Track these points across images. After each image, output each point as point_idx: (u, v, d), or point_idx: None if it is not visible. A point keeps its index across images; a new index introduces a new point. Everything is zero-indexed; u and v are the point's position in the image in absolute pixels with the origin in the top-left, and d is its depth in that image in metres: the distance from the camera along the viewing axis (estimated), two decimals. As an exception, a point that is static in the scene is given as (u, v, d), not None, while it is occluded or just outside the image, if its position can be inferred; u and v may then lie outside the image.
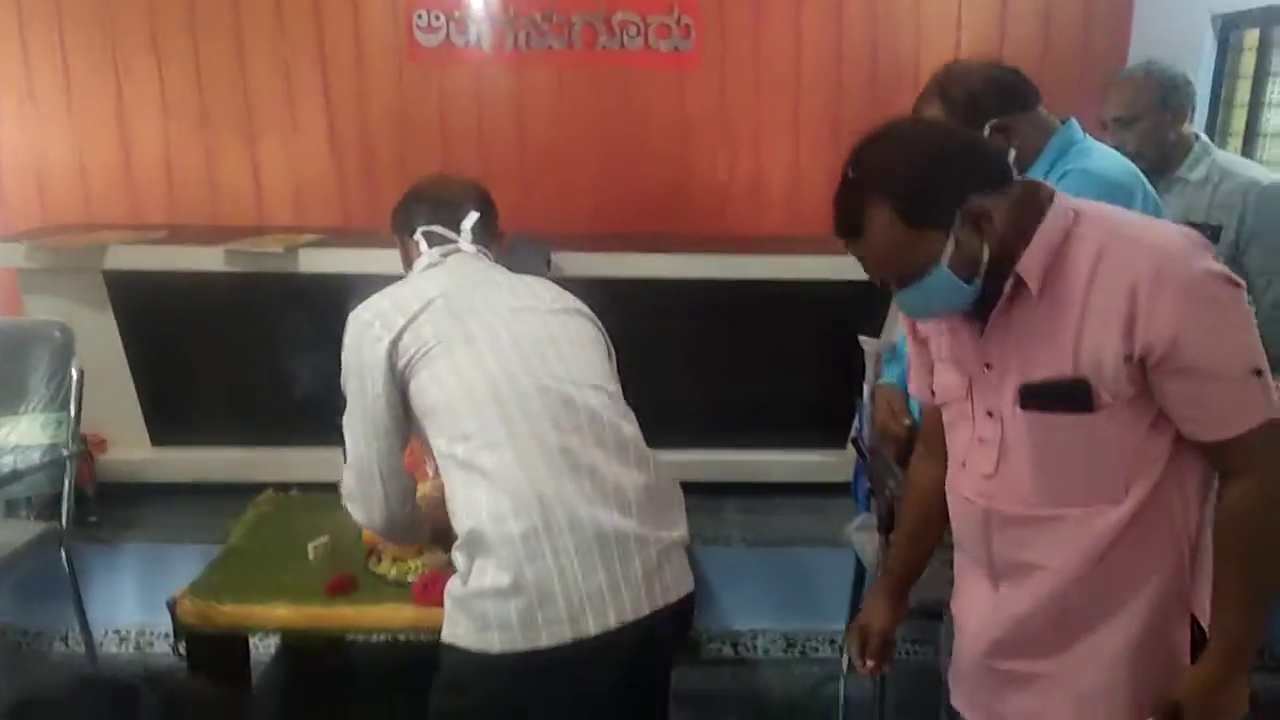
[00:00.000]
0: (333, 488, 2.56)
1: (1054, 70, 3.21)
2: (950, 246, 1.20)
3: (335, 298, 2.96)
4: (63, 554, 2.58)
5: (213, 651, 2.18)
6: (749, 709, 2.70)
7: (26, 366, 2.62)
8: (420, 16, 3.36)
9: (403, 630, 2.65)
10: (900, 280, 1.25)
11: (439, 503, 1.90)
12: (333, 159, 3.44)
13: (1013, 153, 1.78)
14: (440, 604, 1.99)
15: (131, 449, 3.10)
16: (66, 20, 3.32)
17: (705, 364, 3.07)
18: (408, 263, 1.73)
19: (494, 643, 1.42)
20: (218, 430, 3.13)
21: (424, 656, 2.88)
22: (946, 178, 1.21)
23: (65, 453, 2.57)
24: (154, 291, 3.00)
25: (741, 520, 2.97)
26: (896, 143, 1.24)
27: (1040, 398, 1.24)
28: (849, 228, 1.23)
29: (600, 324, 1.73)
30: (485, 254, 1.71)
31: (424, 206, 1.70)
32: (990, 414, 1.29)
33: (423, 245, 1.68)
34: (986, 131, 1.77)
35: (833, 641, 2.87)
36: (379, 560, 2.14)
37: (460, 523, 1.49)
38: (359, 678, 2.76)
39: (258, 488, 2.70)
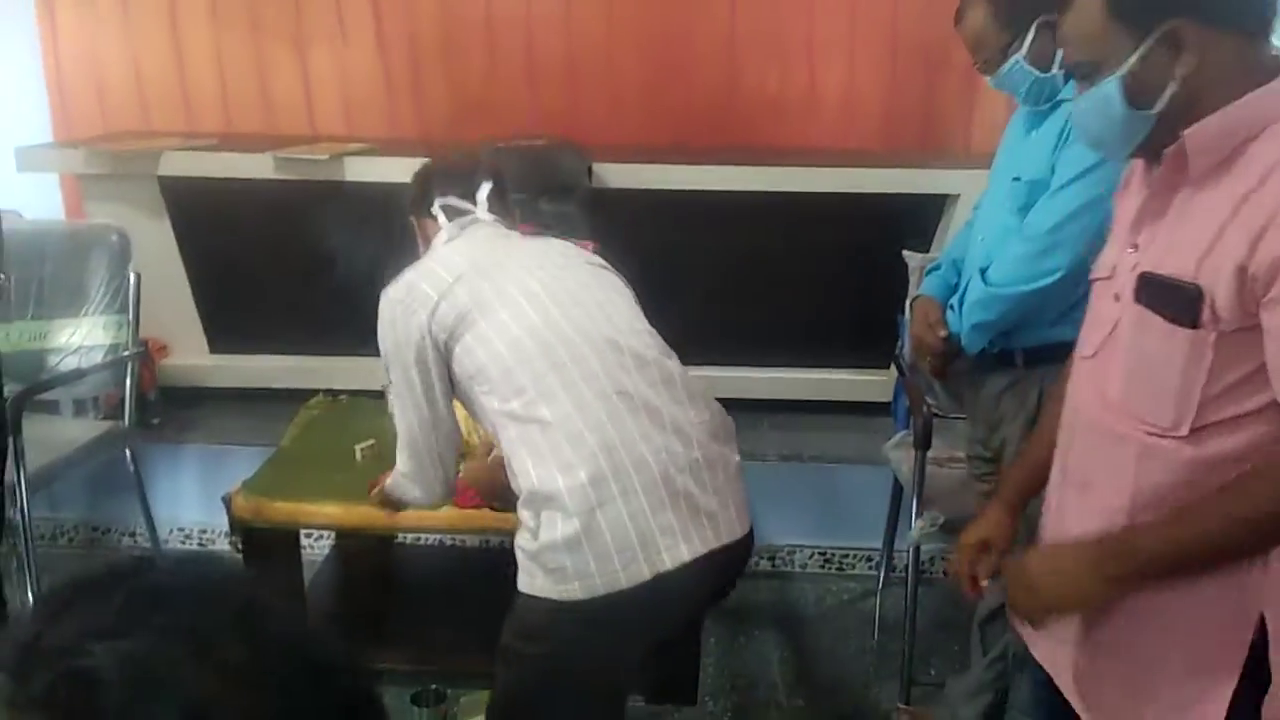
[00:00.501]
0: (379, 394, 2.64)
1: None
2: (1134, 59, 1.10)
3: (381, 207, 3.02)
4: (127, 452, 2.71)
5: (266, 547, 2.28)
6: (785, 623, 2.75)
7: (87, 270, 2.72)
8: (467, -85, 3.29)
9: (442, 531, 2.75)
10: (1079, 73, 1.18)
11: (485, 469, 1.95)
12: (381, 68, 3.42)
13: (1059, 53, 1.71)
14: (477, 506, 2.06)
15: (191, 355, 3.20)
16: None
17: (750, 279, 3.03)
18: (426, 241, 1.74)
19: (575, 591, 1.43)
20: (272, 339, 3.20)
21: (467, 562, 3.00)
22: None
23: (126, 353, 2.67)
24: (209, 199, 3.05)
25: (779, 437, 2.97)
26: None
27: (1153, 293, 1.15)
28: None
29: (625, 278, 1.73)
30: (502, 223, 1.71)
31: (439, 180, 1.73)
32: (1117, 298, 1.21)
33: (441, 219, 1.69)
34: (1033, 29, 1.71)
35: (869, 558, 2.90)
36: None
37: (523, 479, 1.49)
38: (406, 581, 2.87)
39: (310, 393, 2.78)
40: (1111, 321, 1.22)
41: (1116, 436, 1.19)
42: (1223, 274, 1.06)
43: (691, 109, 3.35)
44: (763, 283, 3.03)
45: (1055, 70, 1.73)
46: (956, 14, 1.82)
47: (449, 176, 1.73)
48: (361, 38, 3.39)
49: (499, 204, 1.73)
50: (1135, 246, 1.19)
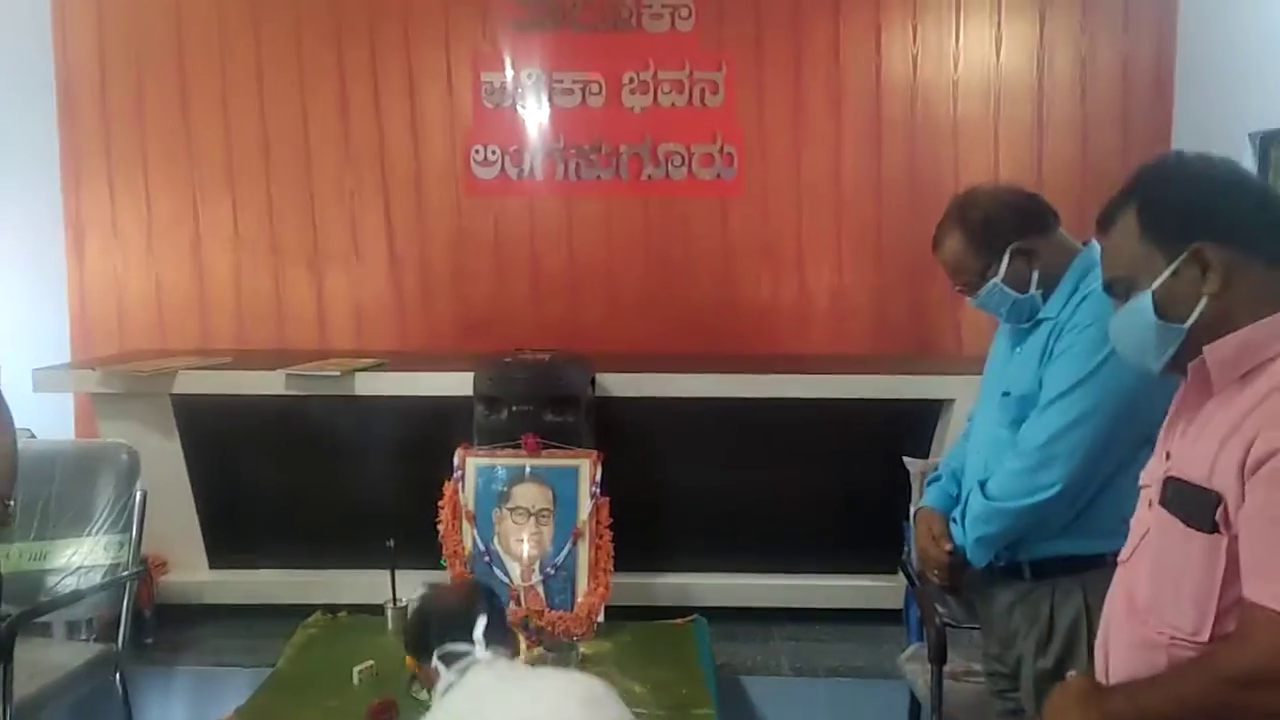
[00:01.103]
0: (379, 610, 2.60)
1: (1093, 190, 3.24)
2: (1165, 275, 1.19)
3: (388, 419, 3.09)
4: (117, 677, 2.62)
5: (255, 780, 2.17)
6: None
7: (94, 488, 2.72)
8: (477, 151, 3.55)
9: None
10: (1116, 290, 1.26)
11: None
12: (392, 286, 3.60)
13: (1035, 275, 1.80)
14: None
15: (190, 571, 3.17)
16: (151, 162, 3.58)
17: (752, 484, 3.04)
18: (427, 682, 1.75)
19: None
20: (274, 552, 3.18)
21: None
22: (1198, 208, 1.19)
23: (125, 574, 2.64)
24: (219, 415, 3.11)
25: (791, 649, 2.89)
26: (1183, 164, 1.26)
27: (1174, 498, 1.19)
28: (1103, 219, 1.27)
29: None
30: (502, 652, 1.70)
31: (436, 629, 1.74)
32: (1150, 504, 1.26)
33: (440, 669, 1.67)
34: (1007, 255, 1.80)
35: (890, 780, 2.74)
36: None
37: None
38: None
39: (311, 609, 2.73)
40: (1145, 528, 1.26)
41: (1147, 643, 1.20)
42: (1230, 478, 1.11)
43: (687, 320, 3.51)
44: (766, 488, 3.04)
45: (1033, 290, 1.81)
46: (933, 242, 1.91)
47: (444, 622, 1.74)
48: (374, 257, 3.59)
49: (496, 633, 1.71)
50: (1168, 455, 1.25)
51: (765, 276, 3.52)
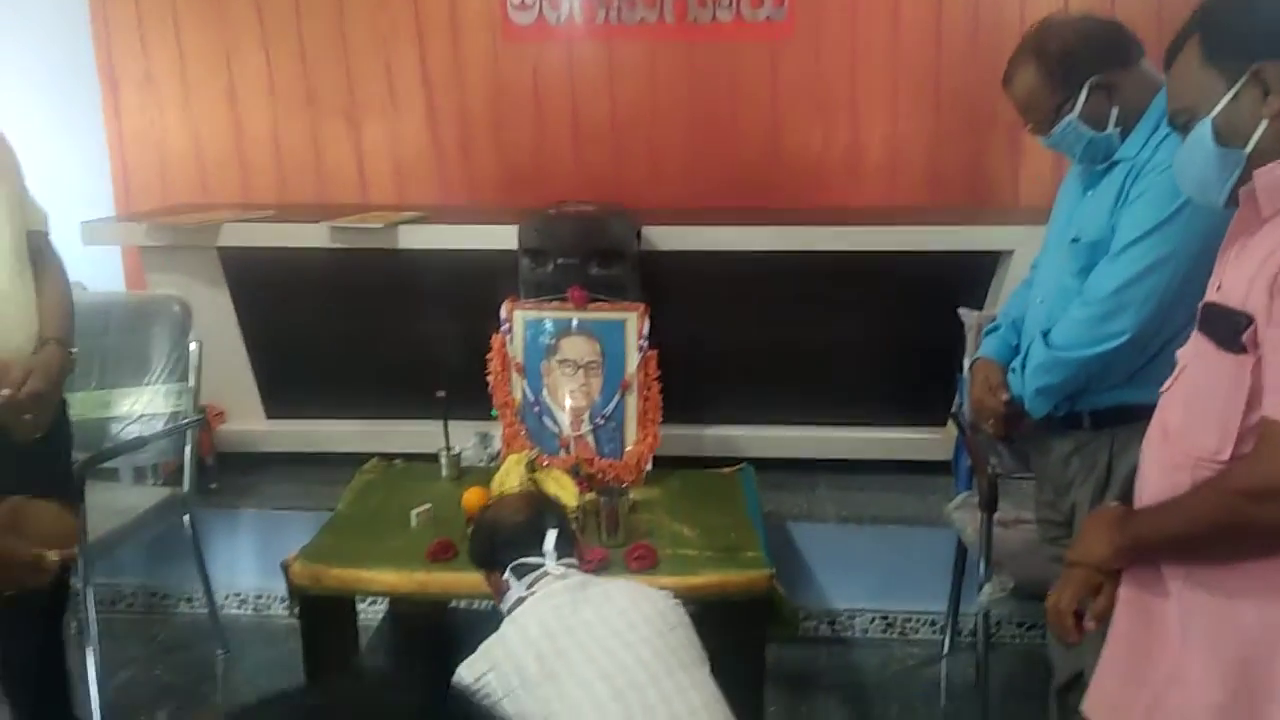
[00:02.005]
0: (433, 458, 2.66)
1: (1170, 25, 3.02)
2: (1225, 100, 1.17)
3: (433, 272, 3.08)
4: (186, 518, 2.74)
5: (322, 613, 2.28)
6: (847, 689, 2.68)
7: (149, 339, 2.78)
8: (515, -5, 3.39)
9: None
10: (1179, 123, 1.24)
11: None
12: (431, 138, 3.51)
13: (1114, 112, 1.70)
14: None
15: (248, 420, 3.25)
16: (181, 7, 3.46)
17: (801, 338, 3.02)
18: (496, 593, 1.75)
19: None
20: (327, 403, 3.25)
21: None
22: (1260, 28, 1.17)
23: (186, 421, 2.72)
24: (265, 268, 3.12)
25: (837, 497, 2.94)
26: None
27: (1209, 321, 1.22)
28: (1168, 54, 1.26)
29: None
30: (571, 566, 1.71)
31: (506, 541, 1.73)
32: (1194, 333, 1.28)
33: (511, 580, 1.69)
34: (1086, 90, 1.69)
35: (933, 623, 2.82)
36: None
37: None
38: (461, 645, 2.84)
39: (365, 457, 2.81)
40: (1186, 356, 1.28)
41: (1174, 466, 1.24)
42: (1261, 298, 1.12)
43: (734, 172, 3.39)
44: (815, 341, 3.02)
45: (1111, 129, 1.71)
46: (1005, 76, 1.80)
47: (513, 533, 1.73)
48: (412, 109, 3.49)
49: (565, 545, 1.73)
50: (1219, 286, 1.24)
51: (816, 125, 3.37)
